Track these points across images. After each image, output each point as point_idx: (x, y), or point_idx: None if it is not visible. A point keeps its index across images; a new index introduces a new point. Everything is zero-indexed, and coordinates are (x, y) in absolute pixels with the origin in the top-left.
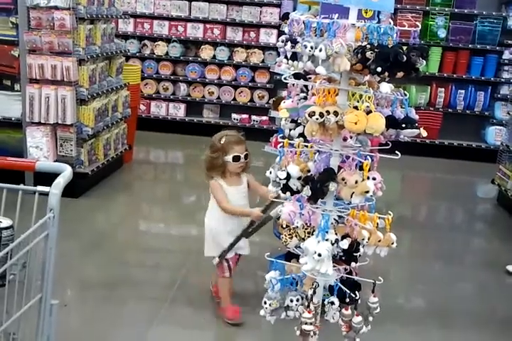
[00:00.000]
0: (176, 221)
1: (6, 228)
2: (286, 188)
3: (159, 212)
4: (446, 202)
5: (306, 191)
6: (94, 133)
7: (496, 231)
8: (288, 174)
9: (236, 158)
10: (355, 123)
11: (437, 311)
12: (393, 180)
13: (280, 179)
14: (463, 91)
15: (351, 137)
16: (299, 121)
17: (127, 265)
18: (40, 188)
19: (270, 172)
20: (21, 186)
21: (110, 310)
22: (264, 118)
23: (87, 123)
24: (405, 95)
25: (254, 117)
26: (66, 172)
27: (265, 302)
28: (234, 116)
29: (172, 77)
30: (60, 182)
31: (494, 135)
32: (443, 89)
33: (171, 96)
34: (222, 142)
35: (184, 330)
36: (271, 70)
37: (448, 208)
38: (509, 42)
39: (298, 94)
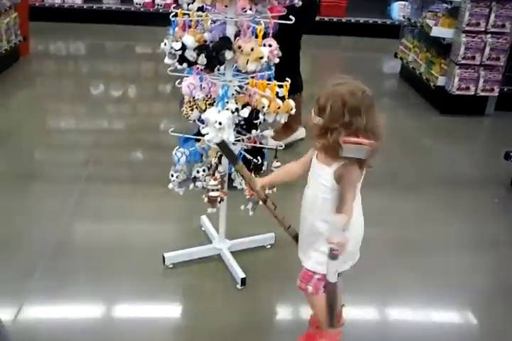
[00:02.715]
0: (83, 115)
1: None
2: (182, 59)
3: (65, 106)
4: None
5: (202, 59)
6: None
7: (400, 102)
8: (183, 45)
9: None
10: None
11: None
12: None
13: (175, 50)
14: None
15: (251, 9)
16: None
17: (36, 160)
18: None
19: (165, 44)
20: None
21: (22, 203)
22: (169, 1)
23: None
24: None
25: (158, 1)
26: None
27: (172, 175)
28: (136, 0)
29: None
30: None
31: (399, 10)
32: None
33: None
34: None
35: (97, 219)
36: None
37: None
38: None
39: None
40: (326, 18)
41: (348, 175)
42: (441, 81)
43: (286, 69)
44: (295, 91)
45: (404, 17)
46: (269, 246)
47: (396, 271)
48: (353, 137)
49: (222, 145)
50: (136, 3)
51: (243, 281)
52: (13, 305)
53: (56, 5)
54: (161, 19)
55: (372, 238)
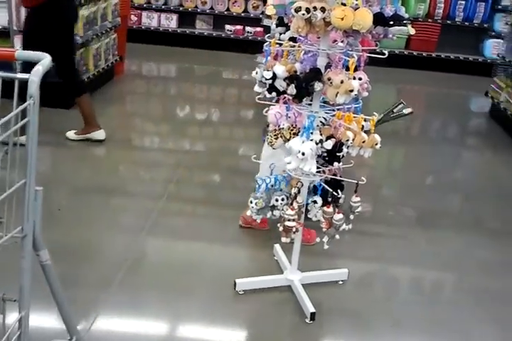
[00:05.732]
0: (167, 135)
1: None
2: (272, 89)
3: (151, 125)
4: (439, 116)
5: (291, 89)
6: (84, 42)
7: (488, 144)
8: (274, 74)
9: None
10: (342, 19)
11: (424, 218)
12: (387, 93)
13: (266, 79)
14: (463, 2)
15: (342, 41)
16: (289, 25)
17: (118, 175)
18: (19, 75)
19: (256, 73)
20: (1, 73)
21: (103, 217)
22: (259, 29)
23: (75, 31)
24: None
25: (248, 28)
26: (45, 61)
27: (251, 202)
28: (227, 27)
29: None
30: (39, 70)
31: (492, 48)
32: (442, 0)
33: (163, 7)
34: None
35: (173, 238)
36: None
37: (441, 122)
38: None
39: None
40: (415, 53)
41: None
42: None
43: (66, 73)
44: (81, 92)
45: (498, 55)
46: (341, 282)
47: (473, 321)
48: None
49: None
50: (228, 30)
51: (312, 316)
52: (89, 316)
53: (152, 28)
54: (249, 46)
55: (451, 284)
